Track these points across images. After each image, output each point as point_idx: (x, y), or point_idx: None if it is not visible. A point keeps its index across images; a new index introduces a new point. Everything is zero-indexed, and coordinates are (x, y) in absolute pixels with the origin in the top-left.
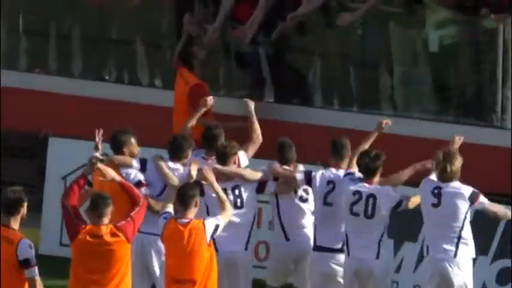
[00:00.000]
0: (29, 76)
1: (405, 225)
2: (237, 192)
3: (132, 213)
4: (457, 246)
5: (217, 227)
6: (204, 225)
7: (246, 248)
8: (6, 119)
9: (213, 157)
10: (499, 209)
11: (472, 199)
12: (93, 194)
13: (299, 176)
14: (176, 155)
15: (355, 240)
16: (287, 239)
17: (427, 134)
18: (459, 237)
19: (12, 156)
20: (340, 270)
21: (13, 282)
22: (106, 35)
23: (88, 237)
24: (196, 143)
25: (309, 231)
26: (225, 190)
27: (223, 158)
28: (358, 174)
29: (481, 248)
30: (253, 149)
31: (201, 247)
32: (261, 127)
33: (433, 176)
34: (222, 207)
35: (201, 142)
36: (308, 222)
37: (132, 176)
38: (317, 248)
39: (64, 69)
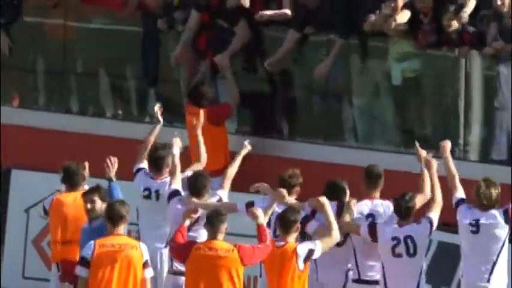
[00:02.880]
0: None
1: (442, 270)
2: None
3: (257, 245)
4: (491, 272)
5: (311, 251)
6: (296, 249)
7: None
8: None
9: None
10: None
11: (507, 220)
12: (210, 211)
13: (363, 231)
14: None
15: (395, 282)
16: (317, 278)
17: (390, 166)
18: (495, 263)
19: None
20: None
21: (136, 283)
22: (69, 68)
23: (201, 251)
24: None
25: (341, 271)
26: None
27: (285, 188)
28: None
29: (444, 281)
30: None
31: (290, 270)
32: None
33: (461, 193)
34: (328, 232)
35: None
36: (342, 266)
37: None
38: None
39: (28, 102)
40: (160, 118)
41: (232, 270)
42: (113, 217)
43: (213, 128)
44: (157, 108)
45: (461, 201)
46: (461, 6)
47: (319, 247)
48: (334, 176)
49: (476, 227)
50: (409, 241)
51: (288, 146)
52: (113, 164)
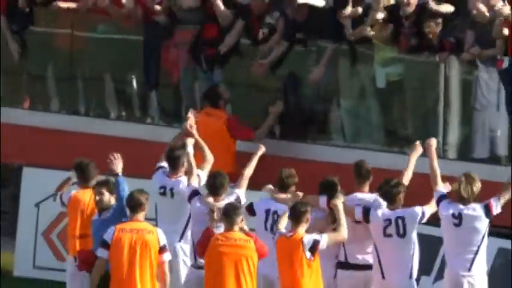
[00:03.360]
0: (5, 111)
1: (422, 260)
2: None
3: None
4: (472, 262)
5: (316, 242)
6: (302, 239)
7: None
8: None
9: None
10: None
11: (488, 214)
12: (226, 205)
13: (357, 213)
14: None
15: (388, 262)
16: None
17: (374, 163)
18: (476, 253)
19: None
20: None
21: (152, 266)
22: (77, 73)
23: (219, 241)
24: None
25: (331, 264)
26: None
27: (283, 187)
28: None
29: (424, 269)
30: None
31: (298, 258)
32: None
33: (442, 189)
34: (337, 227)
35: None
36: (332, 259)
37: None
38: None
39: (39, 104)
40: (193, 123)
41: (249, 258)
42: (133, 205)
43: (227, 136)
44: (190, 114)
45: (443, 196)
46: (438, 14)
47: (324, 239)
48: (323, 173)
49: (458, 220)
50: (399, 222)
51: (280, 145)
52: (117, 159)
